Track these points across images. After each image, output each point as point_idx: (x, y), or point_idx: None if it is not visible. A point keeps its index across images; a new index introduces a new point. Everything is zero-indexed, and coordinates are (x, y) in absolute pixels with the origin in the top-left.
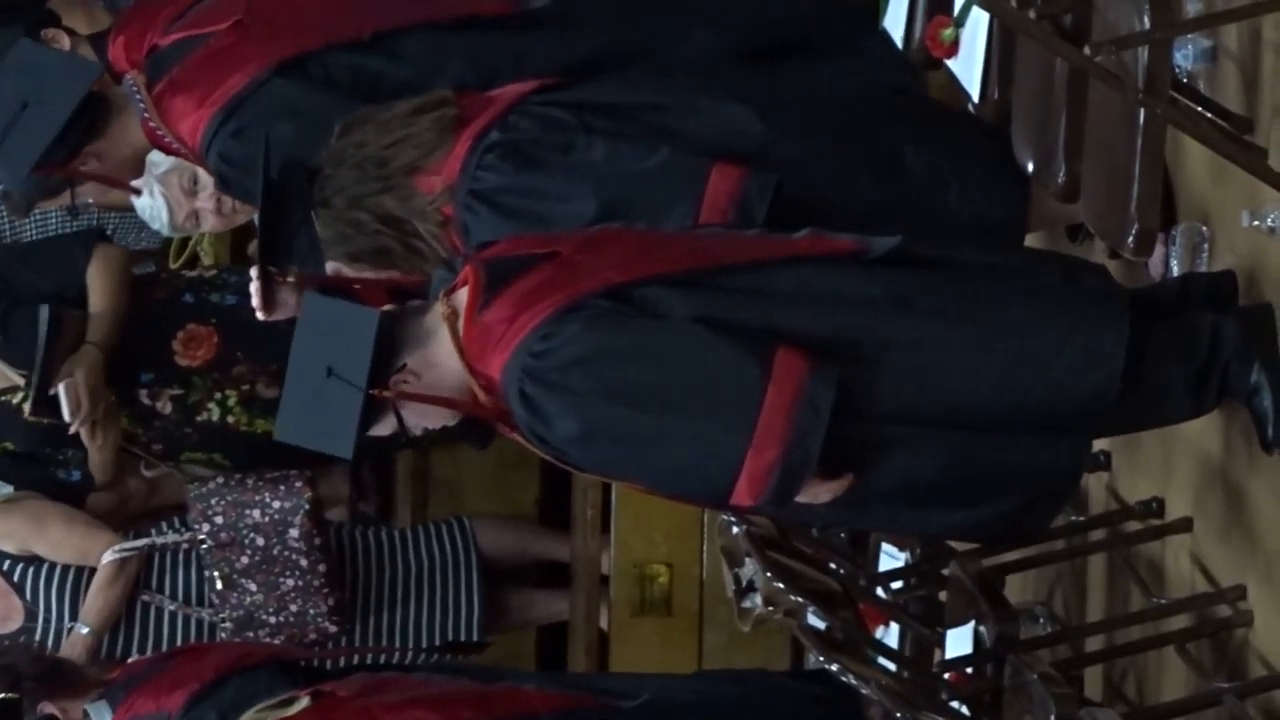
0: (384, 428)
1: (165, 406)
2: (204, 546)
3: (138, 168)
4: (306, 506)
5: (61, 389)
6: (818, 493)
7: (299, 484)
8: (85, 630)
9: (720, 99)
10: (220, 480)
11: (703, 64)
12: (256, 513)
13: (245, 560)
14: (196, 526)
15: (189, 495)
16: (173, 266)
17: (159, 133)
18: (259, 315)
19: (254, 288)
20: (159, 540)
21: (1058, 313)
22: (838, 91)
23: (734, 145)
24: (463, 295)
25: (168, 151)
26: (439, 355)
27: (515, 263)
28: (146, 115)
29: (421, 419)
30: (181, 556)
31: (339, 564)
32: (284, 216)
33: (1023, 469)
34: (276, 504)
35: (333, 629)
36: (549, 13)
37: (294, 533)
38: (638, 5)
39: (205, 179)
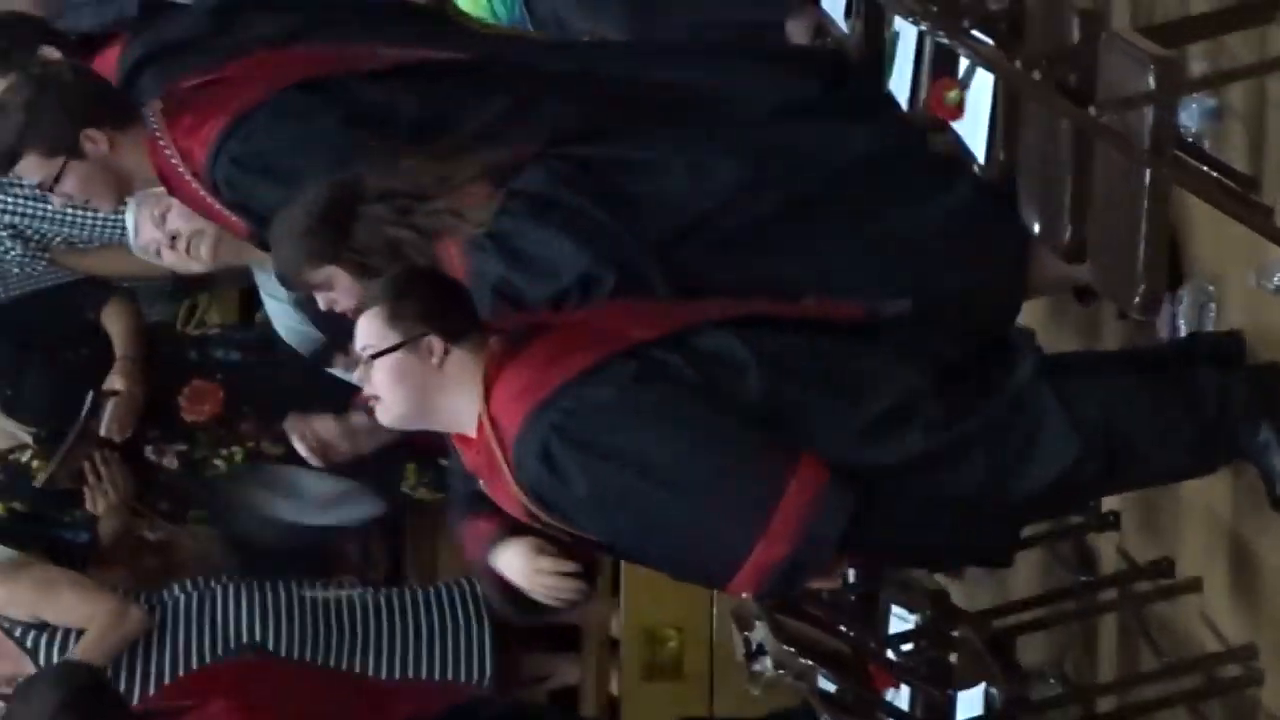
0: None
1: (171, 462)
2: None
3: (125, 186)
4: None
5: (111, 405)
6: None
7: None
8: None
9: (699, 153)
10: None
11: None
12: None
13: None
14: None
15: None
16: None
17: (165, 150)
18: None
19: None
20: None
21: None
22: (842, 152)
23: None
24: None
25: (166, 174)
26: (450, 382)
27: (534, 328)
28: (157, 132)
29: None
30: None
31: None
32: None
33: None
34: None
35: None
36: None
37: None
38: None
39: (174, 218)
